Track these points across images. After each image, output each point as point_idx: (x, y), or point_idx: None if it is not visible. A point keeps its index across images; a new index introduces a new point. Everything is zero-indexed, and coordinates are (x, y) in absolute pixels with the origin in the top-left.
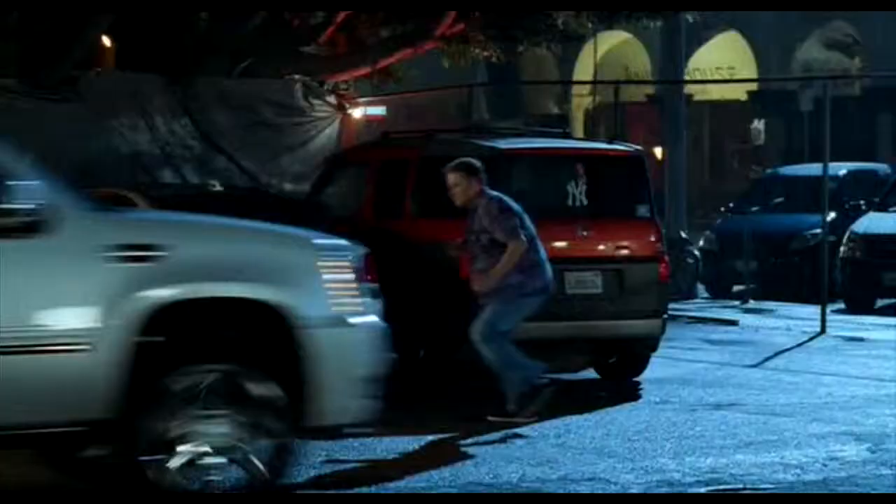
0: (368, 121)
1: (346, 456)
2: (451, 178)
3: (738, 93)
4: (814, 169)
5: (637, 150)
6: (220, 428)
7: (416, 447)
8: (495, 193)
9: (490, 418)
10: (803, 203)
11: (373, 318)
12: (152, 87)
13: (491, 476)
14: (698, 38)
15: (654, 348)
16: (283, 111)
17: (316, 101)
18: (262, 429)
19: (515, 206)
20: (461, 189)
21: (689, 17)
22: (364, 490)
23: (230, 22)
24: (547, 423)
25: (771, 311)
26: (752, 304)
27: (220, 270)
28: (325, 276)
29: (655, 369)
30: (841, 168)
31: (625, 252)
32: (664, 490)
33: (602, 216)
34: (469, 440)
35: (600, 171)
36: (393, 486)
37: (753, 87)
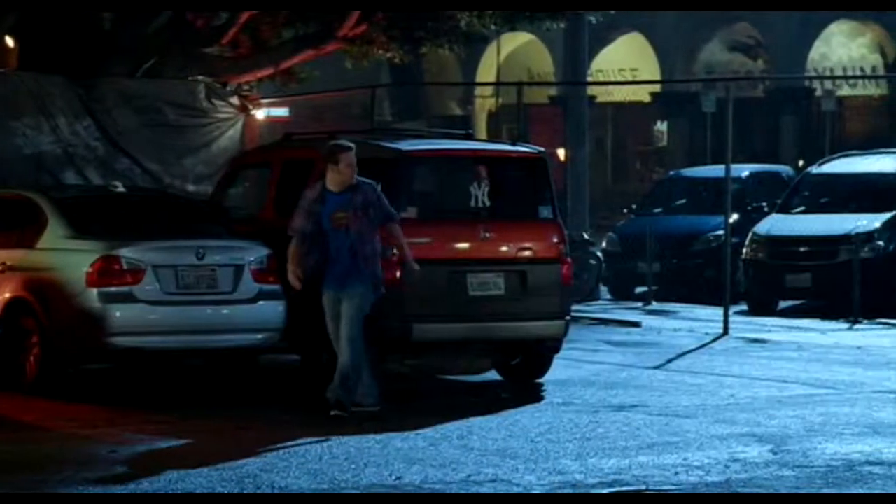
0: (271, 122)
1: (248, 457)
2: (351, 157)
3: (641, 94)
4: (716, 170)
5: (540, 151)
6: None
7: (320, 449)
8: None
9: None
10: (706, 204)
11: None
12: (55, 87)
13: (394, 478)
14: (601, 39)
15: (556, 350)
16: (186, 112)
17: (219, 102)
18: None
19: None
20: (353, 170)
21: (593, 19)
22: (266, 491)
23: (133, 23)
24: (450, 425)
25: (673, 312)
26: (653, 305)
27: None
28: None
29: (558, 371)
30: (744, 170)
31: (527, 253)
32: (567, 491)
33: (504, 217)
34: (371, 441)
35: (503, 173)
36: (296, 487)
37: (656, 88)
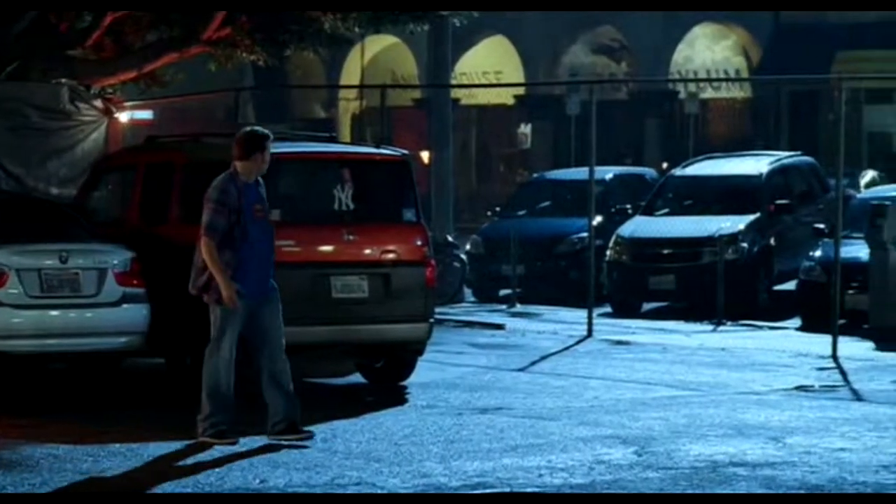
0: (135, 125)
1: (112, 461)
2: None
3: (505, 97)
4: (580, 173)
5: (403, 154)
6: None
7: (184, 452)
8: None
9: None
10: (570, 207)
11: None
12: None
13: (258, 481)
14: (465, 42)
15: (420, 352)
16: (50, 115)
17: (83, 105)
18: None
19: None
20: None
21: (456, 21)
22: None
23: None
24: (314, 428)
25: (537, 314)
26: (518, 307)
27: None
28: None
29: (422, 373)
30: (608, 172)
31: (391, 256)
32: (431, 493)
33: (368, 220)
34: (236, 445)
35: (367, 176)
36: (159, 489)
37: (520, 91)
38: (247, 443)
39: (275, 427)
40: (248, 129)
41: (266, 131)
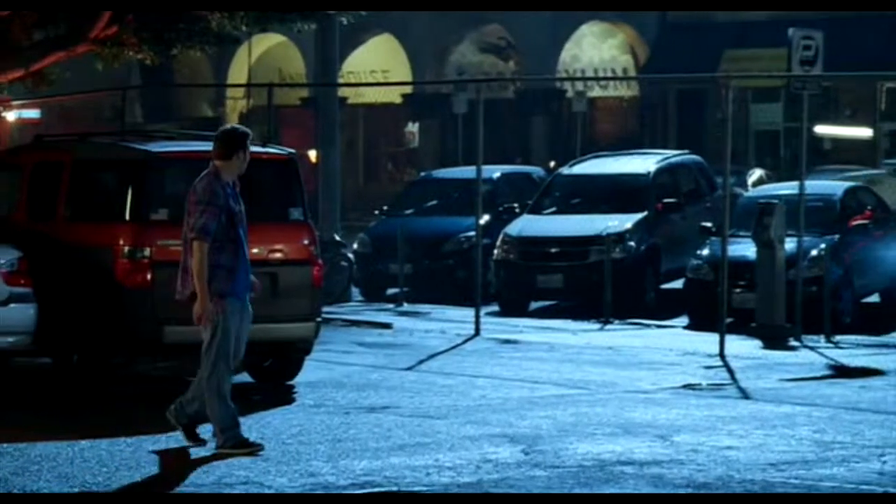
0: (23, 123)
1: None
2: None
3: (393, 96)
4: (467, 171)
5: (290, 153)
6: None
7: (70, 452)
8: None
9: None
10: (457, 205)
11: None
12: None
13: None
14: (352, 41)
15: (308, 351)
16: None
17: None
18: None
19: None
20: None
21: (344, 20)
22: (16, 492)
23: None
24: (200, 428)
25: (425, 313)
26: (406, 306)
27: None
28: None
29: (310, 372)
30: (495, 171)
31: (278, 255)
32: (319, 492)
33: (255, 219)
34: (122, 445)
35: (253, 174)
36: (47, 490)
37: (407, 90)
38: (133, 442)
39: (179, 419)
40: (229, 127)
41: (246, 129)
